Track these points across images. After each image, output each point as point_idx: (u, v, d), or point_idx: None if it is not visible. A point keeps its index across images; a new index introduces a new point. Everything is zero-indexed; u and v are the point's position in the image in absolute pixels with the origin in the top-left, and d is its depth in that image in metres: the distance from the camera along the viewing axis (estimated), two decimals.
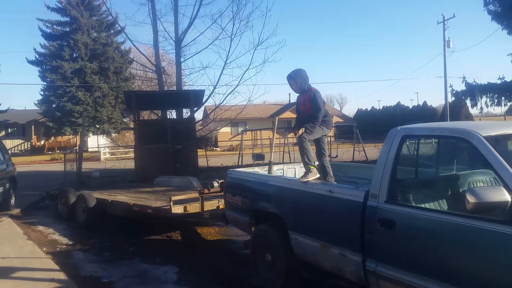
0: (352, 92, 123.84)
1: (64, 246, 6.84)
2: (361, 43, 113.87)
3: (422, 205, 3.13)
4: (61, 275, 5.00)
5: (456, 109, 33.20)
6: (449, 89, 28.08)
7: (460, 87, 16.91)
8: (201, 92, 13.44)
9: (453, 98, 31.44)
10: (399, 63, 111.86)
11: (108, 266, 5.66)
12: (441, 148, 3.53)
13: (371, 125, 39.32)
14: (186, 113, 16.95)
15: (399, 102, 47.78)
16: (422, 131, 3.46)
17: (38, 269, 5.23)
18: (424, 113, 40.75)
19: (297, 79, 4.54)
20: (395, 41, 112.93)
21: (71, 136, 35.66)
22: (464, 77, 16.37)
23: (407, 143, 3.45)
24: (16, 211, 9.45)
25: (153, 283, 4.93)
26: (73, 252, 6.45)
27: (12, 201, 9.82)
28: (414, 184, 3.51)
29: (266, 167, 6.08)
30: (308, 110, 4.52)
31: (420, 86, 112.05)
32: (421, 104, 46.25)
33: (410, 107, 46.95)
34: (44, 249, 6.43)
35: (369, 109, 50.91)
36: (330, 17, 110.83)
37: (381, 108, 50.35)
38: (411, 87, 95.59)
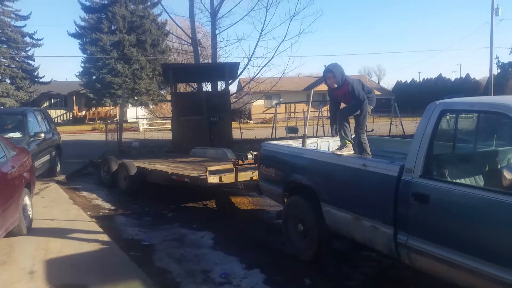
0: (391, 64, 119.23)
1: (107, 211, 7.23)
2: (402, 12, 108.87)
3: (458, 181, 3.11)
4: (105, 237, 5.33)
5: (502, 82, 31.41)
6: (494, 61, 26.73)
7: (507, 58, 16.11)
8: (236, 65, 13.47)
9: (499, 70, 29.92)
10: (441, 33, 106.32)
11: (148, 230, 5.96)
12: (481, 123, 3.46)
13: (410, 98, 37.94)
14: (221, 85, 17.09)
15: (440, 74, 45.76)
16: (461, 106, 3.38)
17: (83, 231, 5.57)
18: (466, 86, 38.92)
19: (336, 72, 4.49)
20: (438, 10, 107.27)
21: (111, 107, 36.76)
22: None
23: (447, 117, 3.39)
24: (61, 177, 9.94)
25: (190, 247, 5.17)
26: (115, 217, 6.82)
27: (58, 168, 10.32)
28: (451, 159, 3.47)
29: (300, 140, 6.12)
30: (351, 103, 4.57)
31: (463, 57, 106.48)
32: (463, 77, 44.16)
33: (452, 80, 44.90)
34: (89, 213, 6.83)
35: (408, 82, 49.13)
36: None
37: (421, 80, 48.48)
38: (453, 59, 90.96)
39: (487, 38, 28.80)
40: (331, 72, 4.51)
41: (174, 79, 12.81)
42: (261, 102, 33.39)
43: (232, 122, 13.73)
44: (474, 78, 42.81)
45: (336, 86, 4.56)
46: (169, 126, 17.51)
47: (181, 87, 24.83)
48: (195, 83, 16.40)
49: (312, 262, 4.45)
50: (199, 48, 16.79)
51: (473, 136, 3.75)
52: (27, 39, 35.03)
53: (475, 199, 2.84)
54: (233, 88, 26.04)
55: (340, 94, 4.67)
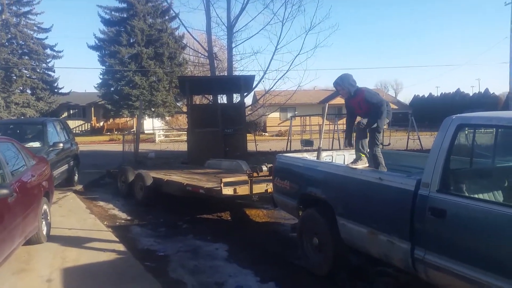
0: (408, 78, 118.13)
1: (123, 221, 7.31)
2: (419, 26, 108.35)
3: (476, 196, 3.07)
4: (121, 247, 5.38)
5: None
6: None
7: None
8: (251, 78, 13.57)
9: None
10: (460, 48, 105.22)
11: (164, 240, 6.00)
12: (499, 138, 3.41)
13: (428, 112, 37.58)
14: (236, 98, 17.22)
15: (458, 89, 45.23)
16: (478, 120, 3.36)
17: (99, 240, 5.64)
18: (485, 101, 38.31)
19: (344, 84, 4.56)
20: (456, 25, 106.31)
21: (128, 118, 37.34)
22: None
23: (466, 132, 3.37)
24: (79, 187, 10.09)
25: (205, 258, 5.18)
26: (131, 227, 6.88)
27: (76, 177, 10.47)
28: (468, 174, 3.43)
29: (315, 153, 6.11)
30: (366, 112, 4.56)
31: (483, 72, 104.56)
32: (482, 92, 43.55)
33: (471, 95, 44.34)
34: (105, 222, 6.90)
35: (426, 96, 48.70)
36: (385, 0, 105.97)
37: (439, 95, 48.02)
38: (472, 74, 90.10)
39: (506, 53, 28.34)
40: (339, 85, 4.59)
41: (190, 91, 12.96)
42: (276, 114, 33.47)
43: (247, 135, 13.78)
44: (493, 93, 42.17)
45: (349, 95, 4.62)
46: (184, 137, 17.67)
47: (197, 99, 25.10)
48: (211, 96, 16.56)
49: (327, 277, 4.41)
50: (215, 61, 16.97)
51: (491, 151, 3.70)
52: (48, 51, 36.04)
53: (493, 215, 2.79)
54: (248, 100, 26.23)
55: (355, 102, 4.68)
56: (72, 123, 36.54)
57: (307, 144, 14.42)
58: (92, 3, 50.23)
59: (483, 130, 3.46)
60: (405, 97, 70.68)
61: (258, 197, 7.38)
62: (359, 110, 4.69)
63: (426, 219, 3.22)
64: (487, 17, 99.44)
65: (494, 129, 3.32)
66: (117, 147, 18.03)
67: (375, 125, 4.48)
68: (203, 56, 18.71)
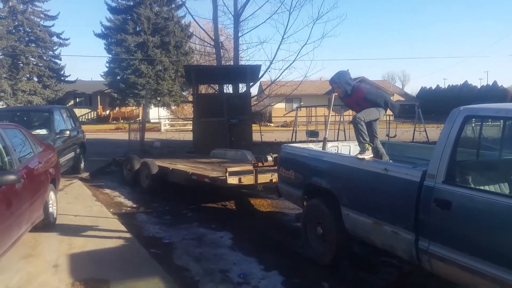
0: (416, 69, 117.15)
1: (129, 208, 7.36)
2: (428, 17, 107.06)
3: (482, 187, 3.06)
4: (127, 234, 5.43)
5: None
6: None
7: None
8: (258, 68, 13.51)
9: None
10: (468, 40, 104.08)
11: (169, 228, 6.05)
12: (507, 130, 3.38)
13: (435, 104, 37.31)
14: (242, 87, 17.17)
15: (466, 81, 44.89)
16: (486, 112, 3.32)
17: (105, 227, 5.69)
18: (493, 93, 37.96)
19: (341, 82, 4.52)
20: (465, 16, 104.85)
21: (134, 107, 37.39)
22: None
23: (473, 123, 3.34)
24: (85, 174, 10.18)
25: (209, 246, 5.22)
26: (137, 214, 6.93)
27: (82, 165, 10.54)
28: (475, 166, 3.42)
29: (320, 144, 6.11)
30: (365, 108, 4.55)
31: (491, 64, 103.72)
32: (490, 84, 43.16)
33: (478, 87, 44.00)
34: (111, 210, 6.96)
35: (433, 88, 48.34)
36: None
37: (446, 87, 47.64)
38: (480, 66, 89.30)
39: None
40: (335, 83, 4.55)
41: (196, 80, 12.94)
42: (281, 105, 33.34)
43: (253, 125, 13.76)
44: (501, 85, 41.82)
45: (345, 94, 4.59)
46: (190, 127, 17.69)
47: (203, 89, 25.06)
48: (217, 85, 16.53)
49: (331, 266, 4.44)
50: (221, 50, 16.88)
51: (498, 143, 3.67)
52: (55, 39, 36.08)
53: (499, 207, 2.78)
54: (254, 90, 26.18)
55: (352, 101, 4.66)
56: (78, 111, 36.61)
57: (313, 135, 14.38)
58: None
59: (490, 122, 3.44)
60: (412, 88, 70.40)
61: (262, 186, 7.43)
62: (357, 107, 4.68)
63: (431, 210, 3.22)
64: (496, 9, 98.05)
65: (502, 121, 3.29)
66: (123, 136, 18.10)
67: (362, 117, 4.48)
68: (209, 45, 18.63)
